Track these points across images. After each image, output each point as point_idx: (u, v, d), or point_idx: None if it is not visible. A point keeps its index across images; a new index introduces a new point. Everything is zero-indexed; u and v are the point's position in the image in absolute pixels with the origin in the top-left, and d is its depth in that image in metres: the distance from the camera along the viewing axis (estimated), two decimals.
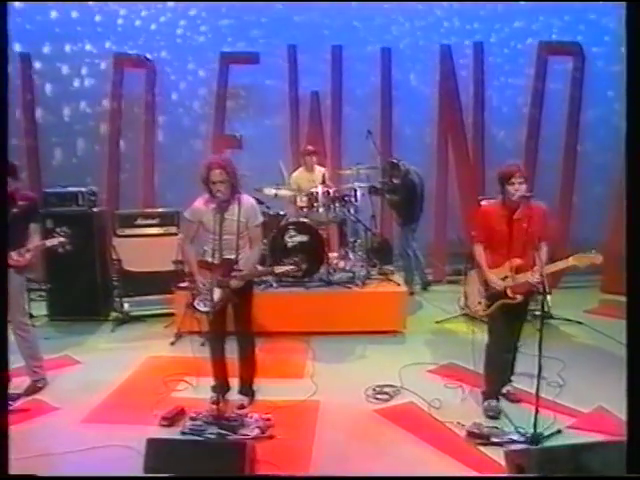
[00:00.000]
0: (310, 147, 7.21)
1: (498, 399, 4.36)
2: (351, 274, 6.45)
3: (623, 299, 3.51)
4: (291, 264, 4.15)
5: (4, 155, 3.35)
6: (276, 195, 6.66)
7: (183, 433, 4.06)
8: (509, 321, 4.28)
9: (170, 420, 4.21)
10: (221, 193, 4.13)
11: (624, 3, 3.50)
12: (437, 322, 6.52)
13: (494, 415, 4.23)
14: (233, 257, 4.26)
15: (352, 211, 6.67)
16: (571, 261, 3.88)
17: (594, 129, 8.69)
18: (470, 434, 3.97)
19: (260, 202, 7.02)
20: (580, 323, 6.37)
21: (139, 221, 6.80)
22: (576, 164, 8.65)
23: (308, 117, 9.26)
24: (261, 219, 4.41)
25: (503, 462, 3.39)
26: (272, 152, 9.50)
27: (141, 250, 6.64)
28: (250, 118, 9.76)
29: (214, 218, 4.23)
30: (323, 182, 6.61)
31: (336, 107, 9.30)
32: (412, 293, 7.34)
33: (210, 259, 4.31)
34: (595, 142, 8.71)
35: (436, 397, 4.52)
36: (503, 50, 9.02)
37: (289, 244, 6.28)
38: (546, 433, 3.89)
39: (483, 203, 4.41)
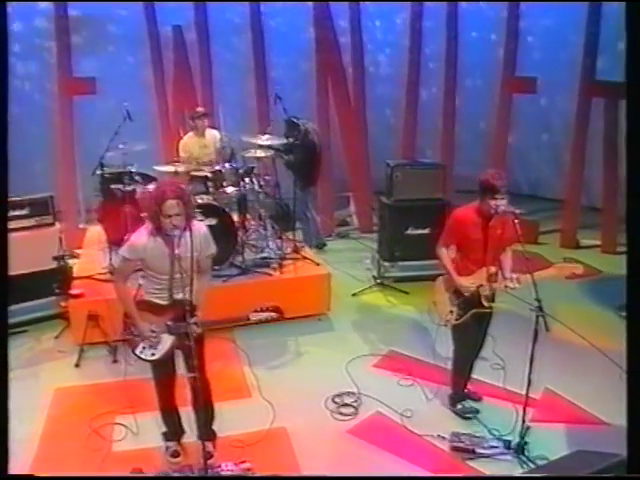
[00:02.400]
0: (200, 109, 6.28)
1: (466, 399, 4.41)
2: (265, 255, 5.97)
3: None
4: (269, 310, 3.58)
5: (4, 155, 3.00)
6: (176, 172, 5.78)
7: None
8: (479, 327, 4.24)
9: None
10: (176, 228, 3.38)
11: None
12: (353, 295, 6.39)
13: (472, 416, 4.28)
14: (186, 297, 3.58)
15: (261, 183, 6.05)
16: (553, 271, 3.89)
17: (475, 67, 8.84)
18: (455, 448, 3.98)
19: (153, 179, 6.16)
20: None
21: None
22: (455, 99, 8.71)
23: (172, 55, 8.22)
24: (214, 248, 3.73)
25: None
26: (133, 98, 8.37)
27: (12, 248, 5.41)
28: (100, 56, 8.43)
29: (162, 255, 3.48)
30: (222, 150, 5.94)
31: (203, 43, 8.32)
32: None
33: (157, 300, 3.59)
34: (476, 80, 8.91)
35: (390, 396, 4.50)
36: None
37: None
38: (520, 436, 4.00)
39: (458, 210, 4.15)
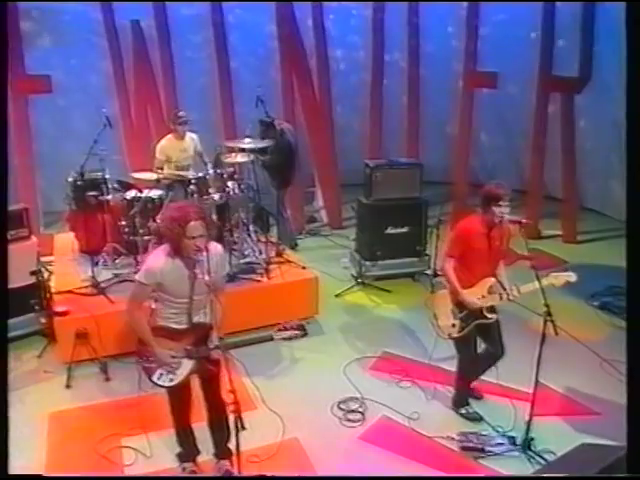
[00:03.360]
0: (183, 114, 6.09)
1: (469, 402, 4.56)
2: (249, 260, 5.93)
3: None
4: (294, 329, 3.56)
5: (4, 155, 3.09)
6: (158, 181, 5.63)
7: None
8: (487, 337, 4.35)
9: None
10: (200, 250, 3.31)
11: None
12: (337, 295, 6.45)
13: (476, 419, 4.42)
14: (206, 321, 3.54)
15: (242, 187, 5.98)
16: (550, 280, 4.05)
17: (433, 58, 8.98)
18: (465, 448, 4.13)
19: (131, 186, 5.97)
20: None
21: None
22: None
23: (132, 52, 7.94)
24: (228, 267, 3.69)
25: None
26: (92, 96, 8.09)
27: None
28: (53, 52, 8.08)
29: (181, 278, 3.40)
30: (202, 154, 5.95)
31: (164, 39, 8.09)
32: None
33: (174, 325, 3.52)
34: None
35: (392, 399, 4.62)
36: None
37: None
38: (525, 432, 4.19)
39: (463, 221, 4.25)
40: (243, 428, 3.04)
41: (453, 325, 4.27)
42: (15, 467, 3.86)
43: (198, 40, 8.53)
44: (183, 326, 3.52)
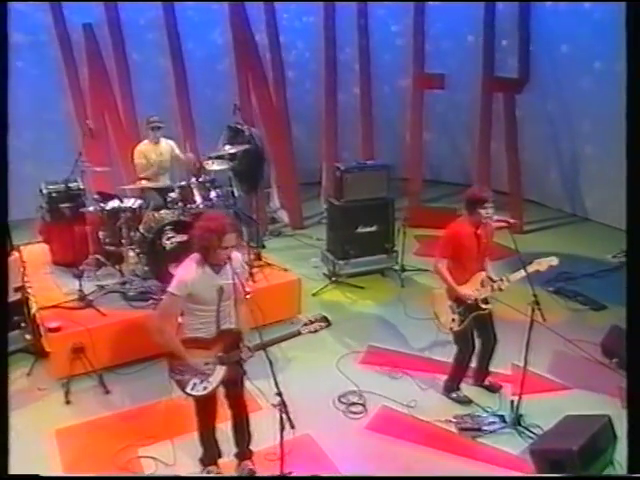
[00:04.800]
0: (155, 119, 6.11)
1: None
2: None
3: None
4: (319, 321, 3.78)
5: (4, 155, 3.16)
6: (142, 190, 5.67)
7: None
8: (482, 328, 4.76)
9: None
10: (229, 259, 3.48)
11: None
12: (314, 294, 6.71)
13: (466, 403, 4.82)
14: (233, 327, 3.71)
15: (219, 193, 6.10)
16: (534, 266, 4.50)
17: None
18: (462, 429, 4.53)
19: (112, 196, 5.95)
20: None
21: None
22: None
23: (85, 57, 7.84)
24: (247, 270, 3.88)
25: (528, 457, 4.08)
26: (44, 104, 7.90)
27: None
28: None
29: (210, 286, 3.56)
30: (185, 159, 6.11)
31: (117, 41, 8.02)
32: None
33: (203, 335, 3.67)
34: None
35: (388, 389, 4.96)
36: None
37: (168, 246, 5.55)
38: (514, 409, 4.63)
39: (451, 224, 4.61)
40: (292, 427, 3.25)
41: (453, 320, 4.64)
42: None
43: (151, 43, 8.49)
44: (212, 335, 3.67)
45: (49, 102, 7.86)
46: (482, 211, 4.39)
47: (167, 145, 6.20)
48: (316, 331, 3.76)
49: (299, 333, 3.76)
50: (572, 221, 9.08)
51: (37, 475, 3.07)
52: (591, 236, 8.46)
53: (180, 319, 3.72)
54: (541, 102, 8.89)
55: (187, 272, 3.54)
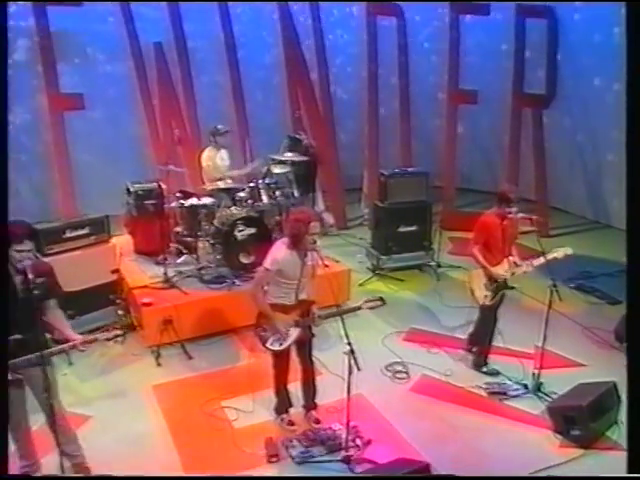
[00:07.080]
0: (221, 126, 7.05)
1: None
2: None
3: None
4: (376, 300, 4.69)
5: (4, 156, 3.33)
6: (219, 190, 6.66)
7: (298, 463, 4.51)
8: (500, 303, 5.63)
9: (276, 455, 4.56)
10: (315, 243, 4.38)
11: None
12: (360, 285, 7.58)
13: (495, 374, 5.65)
14: (307, 298, 4.63)
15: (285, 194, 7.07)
16: (553, 254, 5.34)
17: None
18: (492, 393, 5.36)
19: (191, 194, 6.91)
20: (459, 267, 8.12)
21: (68, 234, 5.97)
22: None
23: (156, 72, 8.87)
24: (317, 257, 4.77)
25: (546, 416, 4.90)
26: (120, 114, 8.89)
27: (76, 266, 5.88)
28: (81, 71, 8.88)
29: (295, 264, 4.48)
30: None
31: (183, 60, 9.04)
32: None
33: (284, 302, 4.59)
34: None
35: (429, 364, 5.79)
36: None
37: (239, 237, 6.51)
38: (534, 378, 5.44)
39: (483, 216, 5.48)
40: (358, 369, 4.12)
41: (486, 296, 5.50)
42: (138, 431, 4.85)
43: (212, 59, 9.51)
44: (292, 302, 4.59)
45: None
46: (507, 209, 5.25)
47: (224, 150, 7.09)
48: (374, 308, 4.66)
49: (360, 308, 4.66)
50: (594, 227, 9.79)
51: (37, 476, 3.50)
52: (612, 241, 9.13)
53: (266, 287, 4.64)
54: (566, 113, 9.60)
55: (278, 252, 4.48)
